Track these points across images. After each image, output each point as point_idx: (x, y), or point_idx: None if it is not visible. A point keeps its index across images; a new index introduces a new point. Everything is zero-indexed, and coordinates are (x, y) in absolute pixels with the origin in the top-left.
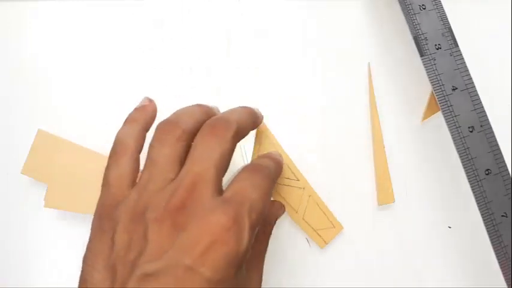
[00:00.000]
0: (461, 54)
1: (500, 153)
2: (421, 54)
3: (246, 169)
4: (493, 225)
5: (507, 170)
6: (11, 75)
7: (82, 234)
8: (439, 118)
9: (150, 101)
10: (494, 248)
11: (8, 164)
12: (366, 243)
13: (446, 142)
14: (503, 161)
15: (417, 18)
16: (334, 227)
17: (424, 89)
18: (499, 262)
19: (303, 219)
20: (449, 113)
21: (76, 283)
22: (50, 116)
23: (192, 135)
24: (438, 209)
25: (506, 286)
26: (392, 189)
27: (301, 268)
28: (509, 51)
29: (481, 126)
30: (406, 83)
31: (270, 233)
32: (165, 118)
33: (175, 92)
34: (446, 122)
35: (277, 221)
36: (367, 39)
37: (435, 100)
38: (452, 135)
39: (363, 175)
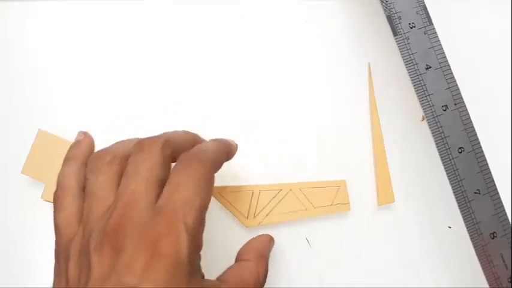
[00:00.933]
0: (435, 33)
1: (474, 131)
2: (395, 34)
3: (177, 164)
4: (466, 202)
5: (480, 147)
6: (11, 75)
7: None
8: None
9: (85, 134)
10: (466, 225)
11: (8, 164)
12: (366, 243)
13: None
14: (477, 139)
15: None
16: (340, 186)
17: None
18: (472, 241)
19: (315, 208)
20: (423, 92)
21: None
22: (50, 116)
23: (124, 160)
24: (438, 209)
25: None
26: (392, 189)
27: (300, 268)
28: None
29: (455, 104)
30: (406, 83)
31: (266, 271)
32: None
33: (175, 92)
34: (420, 101)
35: (278, 223)
36: (367, 39)
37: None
38: (425, 114)
39: (363, 175)
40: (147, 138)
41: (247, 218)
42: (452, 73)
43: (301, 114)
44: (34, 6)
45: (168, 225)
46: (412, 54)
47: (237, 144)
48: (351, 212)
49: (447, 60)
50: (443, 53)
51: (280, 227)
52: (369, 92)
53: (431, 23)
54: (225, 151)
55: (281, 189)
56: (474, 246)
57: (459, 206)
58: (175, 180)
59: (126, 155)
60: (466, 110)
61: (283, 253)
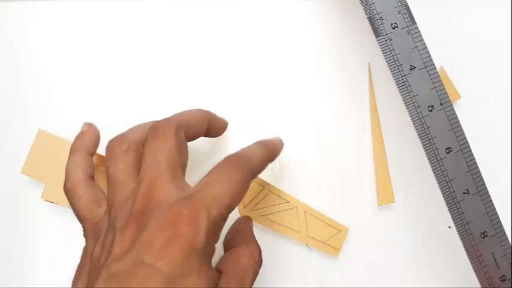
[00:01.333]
0: (419, 32)
1: (461, 130)
2: (377, 35)
3: (221, 163)
4: (455, 203)
5: (468, 147)
6: (11, 75)
7: (82, 234)
8: None
9: (89, 125)
10: (456, 225)
11: (8, 164)
12: (366, 244)
13: None
14: (465, 138)
15: None
16: (340, 231)
17: None
18: (462, 241)
19: (308, 236)
20: (408, 93)
21: None
22: (50, 116)
23: (140, 145)
24: (438, 209)
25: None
26: (392, 189)
27: (300, 269)
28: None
29: (441, 104)
30: None
31: (259, 249)
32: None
33: (175, 92)
34: (405, 102)
35: (267, 228)
36: (367, 39)
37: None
38: (411, 115)
39: (363, 175)
40: (161, 121)
41: (245, 207)
42: (437, 72)
43: (301, 114)
44: (34, 6)
45: (192, 210)
46: (396, 55)
47: (283, 143)
48: (351, 212)
49: (432, 60)
50: (428, 52)
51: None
52: (369, 92)
53: (414, 22)
54: (269, 158)
55: (288, 202)
56: (465, 246)
57: (448, 206)
58: (213, 176)
59: (142, 140)
60: (453, 109)
61: (283, 253)
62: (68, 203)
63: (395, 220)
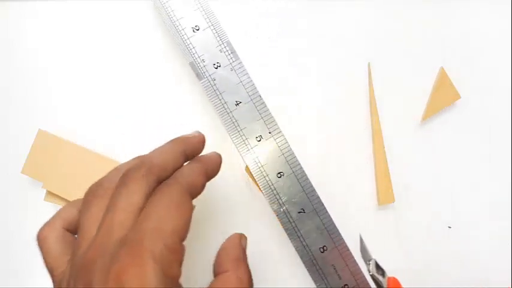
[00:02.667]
0: (243, 66)
1: (292, 154)
2: (200, 78)
3: (151, 195)
4: (290, 223)
5: (300, 168)
6: (11, 75)
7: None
8: (439, 118)
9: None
10: (294, 244)
11: (8, 164)
12: (365, 243)
13: (446, 142)
14: (296, 161)
15: (192, 42)
16: None
17: (424, 89)
18: (303, 260)
19: None
20: (235, 128)
21: None
22: (50, 116)
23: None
24: (438, 209)
25: (507, 287)
26: (392, 189)
27: (300, 269)
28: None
29: (270, 133)
30: (406, 83)
31: (249, 273)
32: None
33: (175, 92)
34: (232, 137)
35: (275, 222)
36: (367, 39)
37: (435, 100)
38: (239, 148)
39: (363, 175)
40: (130, 168)
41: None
42: (264, 103)
43: (301, 114)
44: (34, 6)
45: (133, 256)
46: (220, 94)
47: (220, 159)
48: (351, 212)
49: (258, 92)
50: (253, 84)
51: (280, 227)
52: (368, 92)
53: (237, 58)
54: (202, 172)
55: None
56: (303, 262)
57: (284, 228)
58: (146, 209)
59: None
60: (283, 135)
61: (284, 253)
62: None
63: (395, 220)
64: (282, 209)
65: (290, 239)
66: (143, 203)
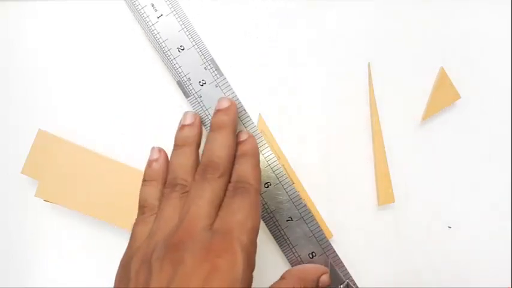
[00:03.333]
0: (227, 82)
1: (278, 165)
2: (187, 96)
3: (230, 193)
4: (279, 230)
5: (286, 179)
6: (11, 75)
7: (82, 234)
8: (439, 118)
9: (159, 150)
10: (283, 251)
11: (8, 164)
12: (366, 243)
13: (446, 142)
14: (282, 171)
15: (177, 62)
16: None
17: (424, 89)
18: (289, 261)
19: None
20: None
21: (77, 281)
22: (50, 116)
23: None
24: (438, 209)
25: (507, 287)
26: (392, 189)
27: None
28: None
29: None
30: (406, 83)
31: None
32: (168, 172)
33: (176, 91)
34: None
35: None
36: (367, 39)
37: (435, 100)
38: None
39: (363, 175)
40: (209, 168)
41: None
42: (249, 116)
43: (301, 114)
44: (34, 6)
45: (226, 244)
46: (207, 109)
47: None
48: (351, 212)
49: (242, 105)
50: (238, 99)
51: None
52: (368, 92)
53: (221, 75)
54: (259, 171)
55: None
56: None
57: (273, 235)
58: (229, 206)
59: (190, 179)
60: (269, 148)
61: (282, 254)
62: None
63: (395, 220)
64: (270, 217)
65: (279, 245)
66: (221, 199)
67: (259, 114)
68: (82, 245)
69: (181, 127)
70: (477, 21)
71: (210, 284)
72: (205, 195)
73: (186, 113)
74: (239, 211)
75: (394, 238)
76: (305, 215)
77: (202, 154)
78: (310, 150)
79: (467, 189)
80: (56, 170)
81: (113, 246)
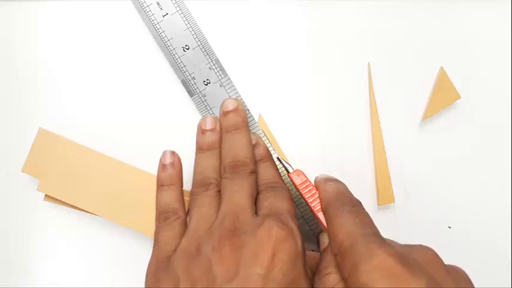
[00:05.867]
0: (231, 82)
1: (279, 167)
2: (191, 95)
3: (264, 191)
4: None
5: (287, 178)
6: (11, 74)
7: (84, 233)
8: (439, 118)
9: (173, 154)
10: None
11: (9, 162)
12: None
13: (446, 142)
14: (283, 172)
15: (182, 61)
16: None
17: (424, 89)
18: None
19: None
20: None
21: (77, 281)
22: (51, 115)
23: (219, 182)
24: (438, 209)
25: (507, 287)
26: (392, 190)
27: None
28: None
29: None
30: (406, 83)
31: None
32: (195, 174)
33: (176, 91)
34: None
35: None
36: (367, 39)
37: (435, 100)
38: None
39: (363, 175)
40: (240, 164)
41: None
42: (252, 116)
43: (301, 114)
44: (34, 6)
45: (281, 222)
46: (211, 109)
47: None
48: None
49: (246, 106)
50: (242, 99)
51: None
52: (368, 92)
53: (226, 75)
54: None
55: None
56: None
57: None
58: (268, 199)
59: (218, 177)
60: (270, 144)
61: None
62: (64, 200)
63: (396, 220)
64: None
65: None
66: (256, 196)
67: (260, 114)
68: (82, 245)
69: (203, 132)
70: (477, 21)
71: (279, 258)
72: (244, 188)
73: (205, 118)
74: (280, 201)
75: (394, 238)
76: (306, 215)
77: (225, 155)
78: (310, 150)
79: (467, 189)
80: (56, 168)
81: (114, 246)
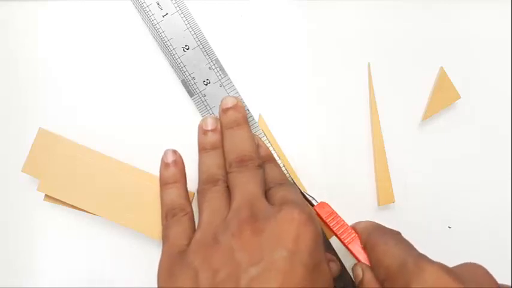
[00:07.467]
0: (231, 82)
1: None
2: (191, 95)
3: (273, 188)
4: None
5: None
6: (11, 74)
7: (84, 233)
8: (439, 118)
9: (174, 153)
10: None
11: (9, 163)
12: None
13: (446, 142)
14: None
15: (182, 61)
16: None
17: (424, 89)
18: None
19: None
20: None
21: (77, 281)
22: (51, 114)
23: (226, 178)
24: (438, 209)
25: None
26: (392, 190)
27: None
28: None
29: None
30: (406, 83)
31: None
32: (201, 173)
33: (176, 91)
34: None
35: None
36: (367, 39)
37: (435, 100)
38: None
39: (363, 175)
40: (246, 158)
41: None
42: (252, 116)
43: (301, 114)
44: (34, 6)
45: (298, 207)
46: (211, 109)
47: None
48: (351, 212)
49: (247, 106)
50: (241, 99)
51: None
52: (368, 92)
53: (225, 75)
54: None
55: None
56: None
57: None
58: (279, 192)
59: (224, 173)
60: (268, 142)
61: None
62: (64, 200)
63: (395, 220)
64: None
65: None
66: (264, 183)
67: (260, 114)
68: (82, 245)
69: (205, 132)
70: (477, 21)
71: (303, 240)
72: (255, 179)
73: (206, 118)
74: (292, 194)
75: None
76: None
77: (229, 151)
78: (310, 150)
79: (467, 189)
80: (56, 168)
81: (114, 246)
